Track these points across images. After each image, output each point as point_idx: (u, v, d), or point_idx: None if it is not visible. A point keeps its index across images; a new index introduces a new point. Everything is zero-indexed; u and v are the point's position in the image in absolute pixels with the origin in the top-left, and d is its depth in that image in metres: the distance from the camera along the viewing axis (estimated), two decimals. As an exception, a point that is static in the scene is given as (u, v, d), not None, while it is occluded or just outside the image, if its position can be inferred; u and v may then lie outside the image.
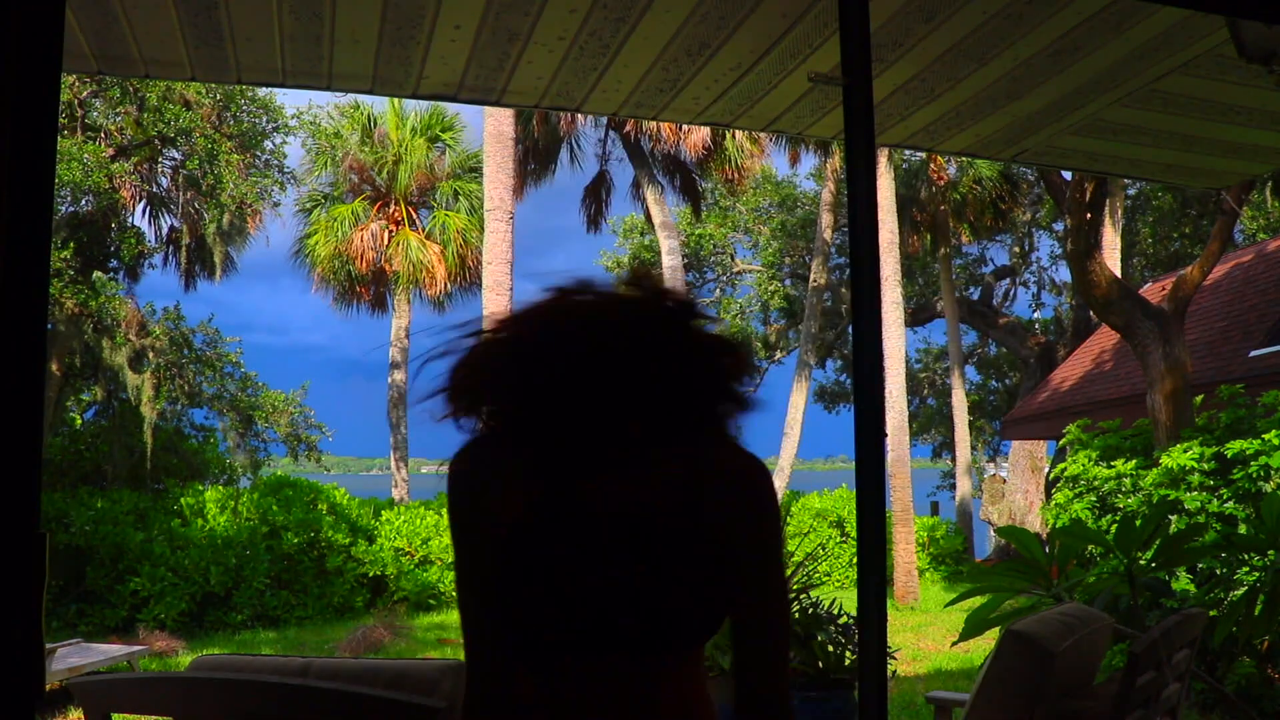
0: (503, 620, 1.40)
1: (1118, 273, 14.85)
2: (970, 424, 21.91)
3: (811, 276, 18.75)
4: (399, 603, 13.34)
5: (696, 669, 1.45)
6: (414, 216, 20.36)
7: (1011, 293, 25.52)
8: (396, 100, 19.48)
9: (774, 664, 1.47)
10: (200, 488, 13.72)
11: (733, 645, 1.47)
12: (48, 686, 6.65)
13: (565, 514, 1.40)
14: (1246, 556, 5.64)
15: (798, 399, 17.78)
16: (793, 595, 3.03)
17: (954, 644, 5.84)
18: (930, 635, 11.14)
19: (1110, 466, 8.18)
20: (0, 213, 1.43)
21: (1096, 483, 8.15)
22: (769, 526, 1.46)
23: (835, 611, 2.91)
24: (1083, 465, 8.37)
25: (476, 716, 1.43)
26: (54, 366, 12.55)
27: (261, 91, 14.20)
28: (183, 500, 13.13)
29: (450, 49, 3.00)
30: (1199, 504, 6.87)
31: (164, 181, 14.40)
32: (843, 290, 23.31)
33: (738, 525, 1.43)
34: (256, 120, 14.74)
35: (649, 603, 1.37)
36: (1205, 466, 7.01)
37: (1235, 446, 6.82)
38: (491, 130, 12.22)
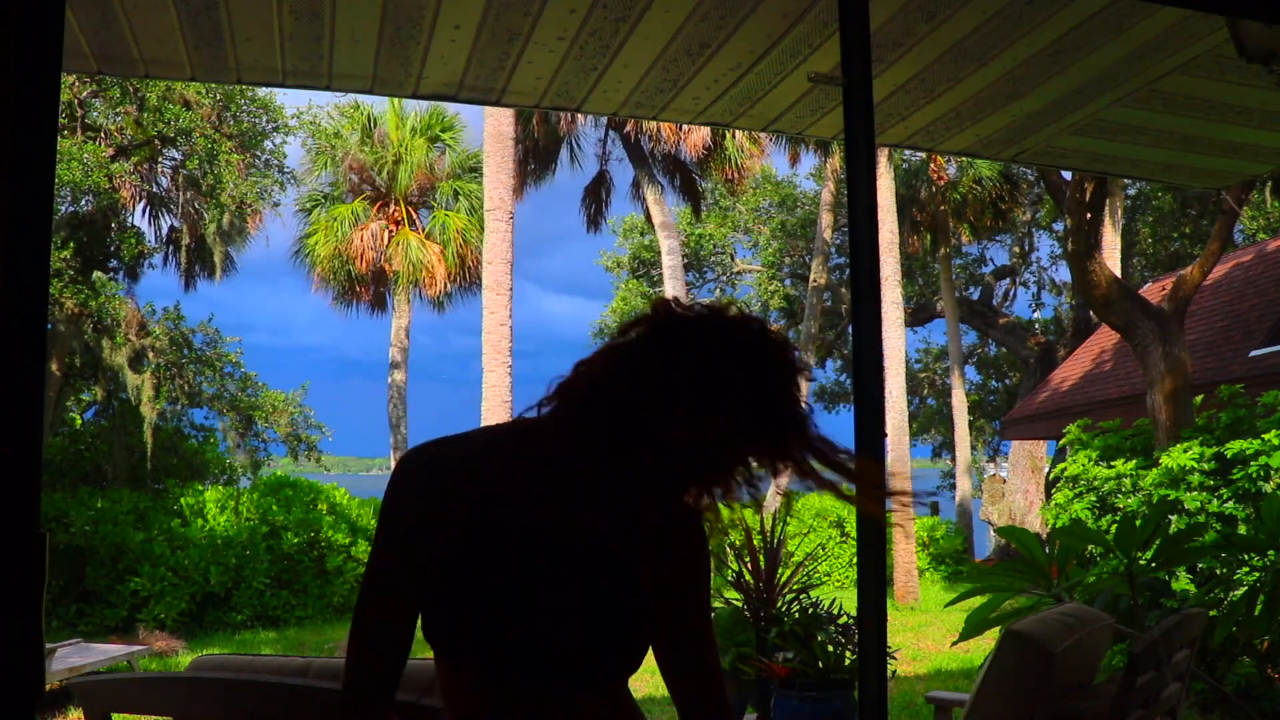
0: (426, 636, 1.36)
1: (1118, 273, 14.85)
2: (970, 424, 21.92)
3: (811, 276, 18.76)
4: (399, 603, 13.37)
5: (620, 695, 1.45)
6: (414, 216, 20.34)
7: (1011, 293, 25.54)
8: (396, 100, 19.46)
9: (716, 680, 1.53)
10: (200, 488, 13.71)
11: (671, 673, 1.51)
12: (48, 686, 6.65)
13: (502, 541, 1.34)
14: (1246, 556, 5.64)
15: (798, 399, 17.77)
16: (792, 595, 3.03)
17: (954, 644, 5.83)
18: (930, 635, 11.14)
19: (1110, 466, 8.18)
20: (0, 213, 1.43)
21: (1096, 483, 8.14)
22: (703, 571, 1.52)
23: (835, 611, 2.91)
24: (1083, 465, 8.37)
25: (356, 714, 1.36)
26: (54, 366, 12.55)
27: (261, 91, 14.19)
28: (183, 500, 13.13)
29: (450, 49, 3.00)
30: (1199, 504, 6.87)
31: (164, 181, 14.39)
32: (843, 290, 23.30)
33: (675, 571, 1.47)
34: (256, 120, 14.73)
35: (578, 638, 1.35)
36: (1205, 466, 7.01)
37: (1235, 446, 6.82)
38: (491, 130, 12.22)
